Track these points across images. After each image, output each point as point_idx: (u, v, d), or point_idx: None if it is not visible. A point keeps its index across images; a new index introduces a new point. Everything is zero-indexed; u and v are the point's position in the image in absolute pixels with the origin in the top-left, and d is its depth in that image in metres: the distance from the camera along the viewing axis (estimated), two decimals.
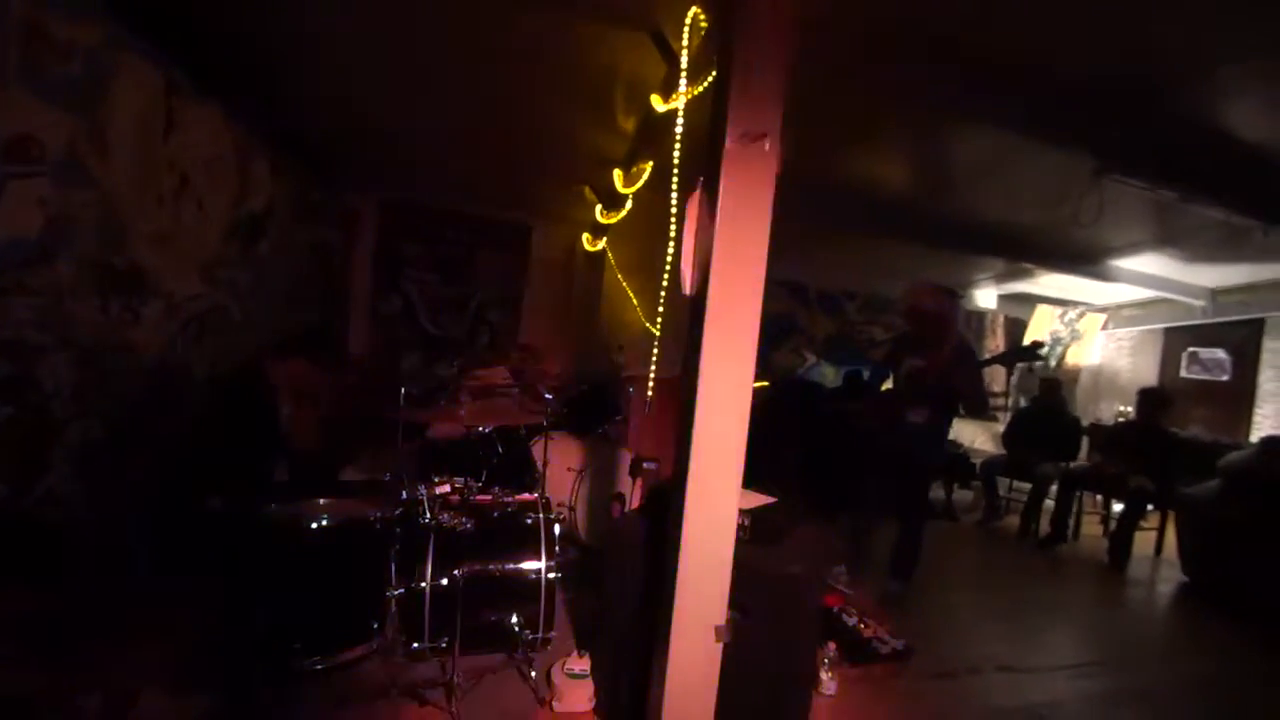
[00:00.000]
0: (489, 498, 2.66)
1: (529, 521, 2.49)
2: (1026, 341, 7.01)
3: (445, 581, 2.22)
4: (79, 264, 2.39)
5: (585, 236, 5.62)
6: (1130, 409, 5.76)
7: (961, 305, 3.26)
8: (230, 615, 2.11)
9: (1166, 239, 4.70)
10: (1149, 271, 5.56)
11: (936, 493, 5.40)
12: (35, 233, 2.19)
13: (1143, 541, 4.72)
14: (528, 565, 2.39)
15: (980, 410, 4.20)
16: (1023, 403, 6.93)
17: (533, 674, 2.28)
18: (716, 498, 1.65)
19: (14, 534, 2.17)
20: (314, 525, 2.15)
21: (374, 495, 2.53)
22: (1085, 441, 5.76)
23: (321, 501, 2.35)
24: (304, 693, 2.12)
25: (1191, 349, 6.48)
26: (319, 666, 2.10)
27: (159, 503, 2.71)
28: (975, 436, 6.75)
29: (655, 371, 3.05)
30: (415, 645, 2.22)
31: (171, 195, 2.92)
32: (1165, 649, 3.46)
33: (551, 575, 2.38)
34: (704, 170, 1.71)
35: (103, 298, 2.54)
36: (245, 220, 3.63)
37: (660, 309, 2.62)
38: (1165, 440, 4.90)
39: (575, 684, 2.17)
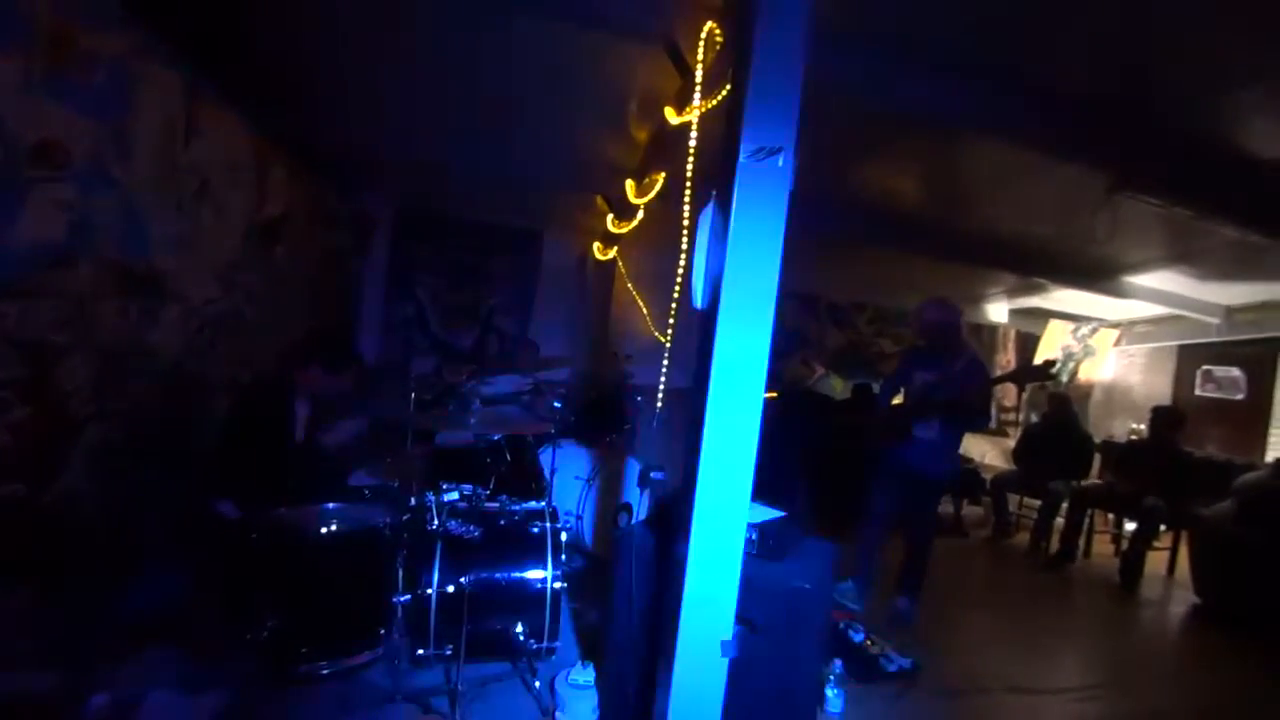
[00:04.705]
0: (496, 505, 2.67)
1: (536, 530, 2.49)
2: (1038, 359, 6.96)
3: (451, 589, 2.23)
4: (100, 267, 2.43)
5: (596, 245, 5.64)
6: (1143, 426, 5.70)
7: (963, 319, 3.28)
8: (237, 618, 2.12)
9: (1181, 256, 4.66)
10: (1163, 288, 5.51)
11: (946, 508, 5.35)
12: (58, 236, 2.23)
13: (1155, 562, 4.65)
14: (534, 574, 2.39)
15: (978, 425, 4.24)
16: (1033, 418, 6.88)
17: (536, 684, 2.28)
18: (725, 511, 1.64)
19: (30, 532, 2.20)
20: (323, 530, 2.17)
21: (383, 501, 2.54)
22: (1097, 459, 5.70)
23: (330, 506, 2.36)
24: (309, 697, 2.13)
25: (1206, 367, 6.40)
26: (325, 671, 2.11)
27: (171, 505, 2.74)
28: (986, 451, 6.70)
29: (664, 382, 3.05)
30: (420, 652, 2.23)
31: (191, 200, 2.97)
32: (1176, 672, 3.41)
33: (557, 585, 2.38)
34: (717, 184, 1.71)
35: (122, 300, 2.58)
36: (262, 225, 3.67)
37: (671, 320, 2.62)
38: (1178, 459, 4.84)
39: (579, 695, 2.16)
